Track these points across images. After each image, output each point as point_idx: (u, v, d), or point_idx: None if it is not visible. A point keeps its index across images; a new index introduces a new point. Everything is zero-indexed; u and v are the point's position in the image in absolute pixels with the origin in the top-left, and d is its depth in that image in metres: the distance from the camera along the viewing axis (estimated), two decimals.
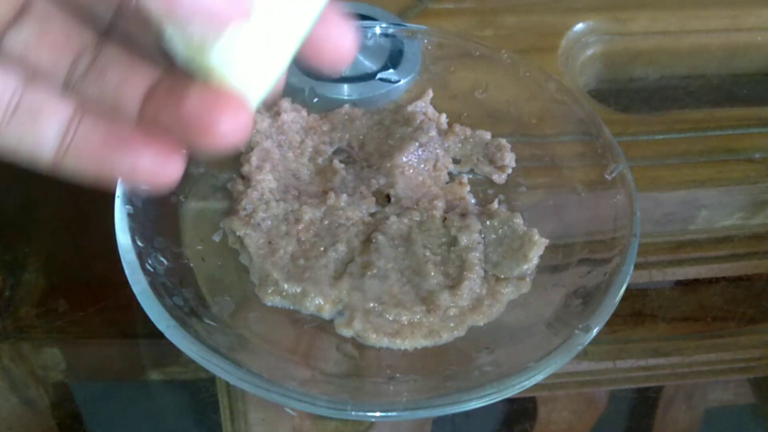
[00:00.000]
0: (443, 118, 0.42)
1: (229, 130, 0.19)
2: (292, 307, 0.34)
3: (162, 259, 0.33)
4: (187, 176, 0.38)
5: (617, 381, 0.37)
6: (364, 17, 0.46)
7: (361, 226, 0.37)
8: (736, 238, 0.42)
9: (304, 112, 0.41)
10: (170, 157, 0.20)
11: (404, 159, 0.39)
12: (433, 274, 0.35)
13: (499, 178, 0.40)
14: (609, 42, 0.52)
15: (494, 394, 0.29)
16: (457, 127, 0.41)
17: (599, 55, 0.52)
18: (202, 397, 0.35)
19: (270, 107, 0.41)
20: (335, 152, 0.41)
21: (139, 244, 0.33)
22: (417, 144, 0.40)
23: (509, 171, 0.40)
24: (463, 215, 0.37)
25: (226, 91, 0.19)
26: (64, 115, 0.20)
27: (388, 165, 0.39)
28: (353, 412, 0.29)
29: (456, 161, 0.41)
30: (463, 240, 0.36)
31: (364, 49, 0.44)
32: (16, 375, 0.36)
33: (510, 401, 0.35)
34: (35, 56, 0.21)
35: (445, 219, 0.37)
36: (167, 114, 0.20)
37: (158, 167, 0.20)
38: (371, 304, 0.34)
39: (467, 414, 0.34)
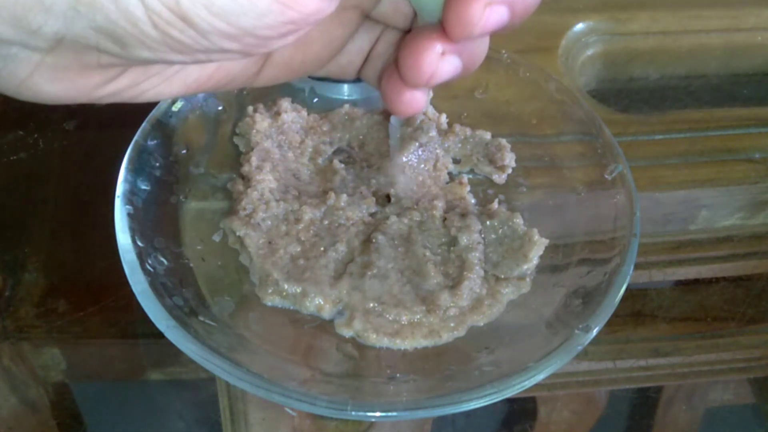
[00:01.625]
0: (443, 118, 0.42)
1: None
2: (292, 307, 0.34)
3: (162, 259, 0.33)
4: (187, 176, 0.38)
5: (617, 381, 0.37)
6: None
7: (361, 226, 0.37)
8: (736, 238, 0.42)
9: (304, 112, 0.41)
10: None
11: (404, 159, 0.39)
12: (433, 274, 0.35)
13: (499, 178, 0.40)
14: (609, 42, 0.52)
15: (494, 394, 0.29)
16: (457, 127, 0.41)
17: (599, 55, 0.52)
18: (202, 397, 0.35)
19: (270, 107, 0.41)
20: (335, 152, 0.41)
21: (139, 244, 0.33)
22: (417, 144, 0.40)
23: (509, 171, 0.40)
24: (463, 215, 0.37)
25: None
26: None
27: (388, 165, 0.39)
28: (353, 412, 0.29)
29: (456, 161, 0.41)
30: (463, 240, 0.36)
31: None
32: (16, 375, 0.36)
33: (510, 401, 0.35)
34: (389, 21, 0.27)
35: (445, 219, 0.37)
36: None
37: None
38: (371, 304, 0.34)
39: (467, 414, 0.34)
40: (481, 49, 0.26)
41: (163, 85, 0.23)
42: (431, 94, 0.42)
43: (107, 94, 0.22)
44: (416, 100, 0.26)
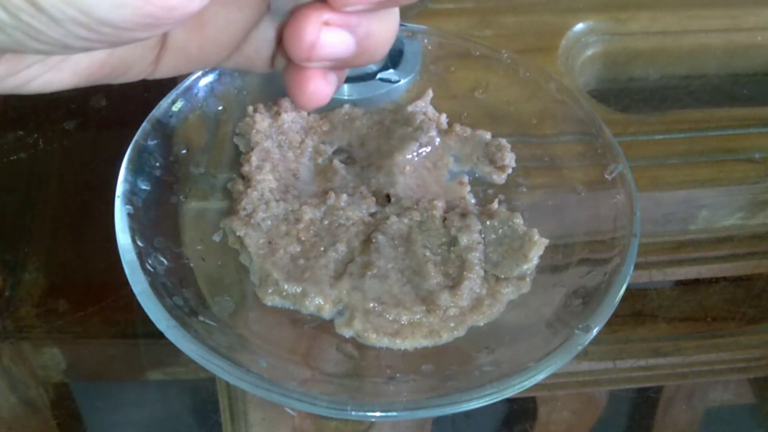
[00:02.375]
0: (443, 118, 0.42)
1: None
2: (292, 307, 0.34)
3: (162, 259, 0.33)
4: (187, 176, 0.38)
5: (617, 381, 0.37)
6: None
7: (361, 226, 0.37)
8: (736, 238, 0.42)
9: (304, 112, 0.41)
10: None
11: (404, 159, 0.39)
12: (433, 274, 0.35)
13: (499, 178, 0.40)
14: (609, 42, 0.52)
15: (494, 394, 0.29)
16: (457, 127, 0.41)
17: (599, 55, 0.52)
18: (202, 397, 0.35)
19: (270, 107, 0.41)
20: (335, 152, 0.41)
21: (139, 244, 0.33)
22: (417, 144, 0.40)
23: (509, 171, 0.40)
24: (463, 215, 0.37)
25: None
26: None
27: (388, 165, 0.39)
28: (353, 412, 0.29)
29: (456, 161, 0.41)
30: (463, 240, 0.36)
31: None
32: (16, 375, 0.36)
33: (510, 401, 0.35)
34: None
35: (445, 219, 0.37)
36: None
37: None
38: (371, 304, 0.34)
39: (467, 414, 0.34)
40: (382, 30, 0.24)
41: (50, 73, 0.22)
42: (431, 93, 0.42)
43: None
44: (319, 91, 0.25)
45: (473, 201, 0.39)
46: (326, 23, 0.23)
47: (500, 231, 0.36)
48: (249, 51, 0.26)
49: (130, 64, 0.23)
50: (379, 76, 0.43)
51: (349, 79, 0.43)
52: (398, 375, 0.32)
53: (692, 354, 0.37)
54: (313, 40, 0.23)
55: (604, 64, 0.52)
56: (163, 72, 0.24)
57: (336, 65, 0.25)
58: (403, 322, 0.33)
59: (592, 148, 0.39)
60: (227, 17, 0.24)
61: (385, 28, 0.24)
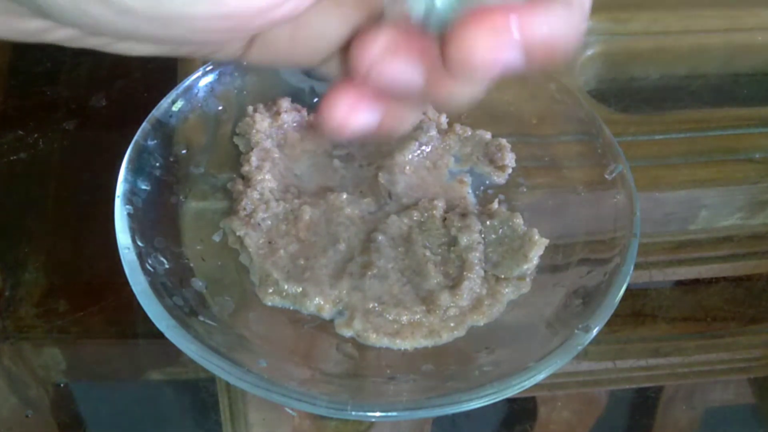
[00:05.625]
0: (443, 118, 0.42)
1: None
2: (292, 307, 0.34)
3: (162, 259, 0.33)
4: (187, 176, 0.38)
5: (617, 381, 0.37)
6: None
7: (361, 225, 0.37)
8: (736, 238, 0.42)
9: (304, 112, 0.41)
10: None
11: (404, 158, 0.39)
12: (433, 274, 0.35)
13: (499, 178, 0.40)
14: (609, 42, 0.52)
15: (494, 394, 0.29)
16: (457, 127, 0.41)
17: (599, 55, 0.52)
18: (202, 397, 0.35)
19: (270, 107, 0.41)
20: (335, 152, 0.41)
21: (139, 244, 0.33)
22: (417, 143, 0.40)
23: (509, 171, 0.40)
24: (463, 215, 0.37)
25: None
26: None
27: (389, 164, 0.39)
28: (353, 412, 0.29)
29: (456, 161, 0.41)
30: (463, 240, 0.36)
31: None
32: (16, 375, 0.36)
33: (510, 401, 0.35)
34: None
35: (445, 219, 0.37)
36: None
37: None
38: (371, 304, 0.34)
39: (467, 414, 0.34)
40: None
41: (132, 42, 0.21)
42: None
43: (61, 39, 0.20)
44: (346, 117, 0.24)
45: (473, 201, 0.39)
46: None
47: (500, 231, 0.36)
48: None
49: (214, 50, 0.22)
50: None
51: None
52: (398, 375, 0.32)
53: (692, 354, 0.37)
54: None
55: (604, 64, 0.52)
56: (252, 59, 0.23)
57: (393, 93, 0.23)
58: (403, 322, 0.33)
59: (592, 148, 0.38)
60: (325, 24, 0.22)
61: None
